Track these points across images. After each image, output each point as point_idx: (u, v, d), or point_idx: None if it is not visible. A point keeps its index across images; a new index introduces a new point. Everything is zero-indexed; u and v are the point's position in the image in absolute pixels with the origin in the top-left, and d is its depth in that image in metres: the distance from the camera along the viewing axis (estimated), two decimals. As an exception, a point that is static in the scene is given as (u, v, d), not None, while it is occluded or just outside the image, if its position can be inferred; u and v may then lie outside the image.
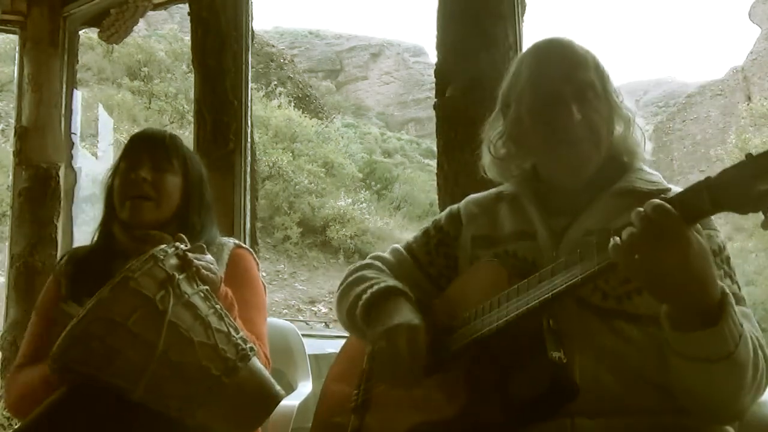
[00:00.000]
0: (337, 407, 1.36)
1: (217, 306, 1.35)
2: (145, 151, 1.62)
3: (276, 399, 1.36)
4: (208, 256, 1.42)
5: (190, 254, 1.35)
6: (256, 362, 1.36)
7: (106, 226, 1.66)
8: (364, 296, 1.31)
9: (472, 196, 1.44)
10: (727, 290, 0.99)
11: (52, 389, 1.38)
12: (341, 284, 1.44)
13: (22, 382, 1.52)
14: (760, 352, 1.05)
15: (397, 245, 1.48)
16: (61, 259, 1.71)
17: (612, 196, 1.23)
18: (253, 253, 1.75)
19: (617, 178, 1.26)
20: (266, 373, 1.38)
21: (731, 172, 0.90)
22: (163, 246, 1.33)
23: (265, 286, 1.72)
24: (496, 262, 1.25)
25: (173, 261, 1.32)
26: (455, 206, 1.44)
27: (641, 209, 0.94)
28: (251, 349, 1.35)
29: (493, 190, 1.41)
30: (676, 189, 1.20)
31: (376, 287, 1.31)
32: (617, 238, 0.96)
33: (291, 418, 1.87)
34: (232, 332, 1.34)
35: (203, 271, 1.36)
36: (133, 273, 1.26)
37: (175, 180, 1.62)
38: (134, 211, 1.58)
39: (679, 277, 0.94)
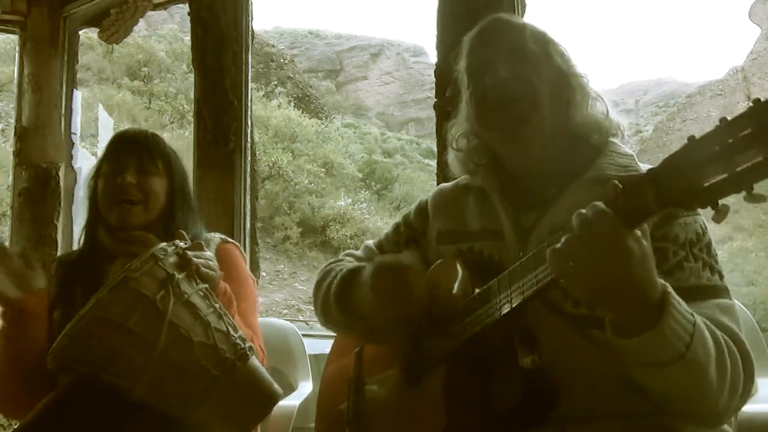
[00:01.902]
0: (340, 390, 1.35)
1: (216, 305, 1.35)
2: (129, 154, 1.62)
3: (275, 398, 1.37)
4: (207, 253, 1.42)
5: (189, 252, 1.35)
6: (255, 361, 1.36)
7: (91, 230, 1.66)
8: (333, 285, 1.31)
9: (441, 186, 1.40)
10: (669, 289, 0.91)
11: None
12: (315, 285, 1.42)
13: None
14: (728, 349, 0.97)
15: (368, 242, 1.46)
16: (52, 264, 1.71)
17: (582, 185, 1.15)
18: (239, 246, 1.75)
19: (588, 163, 1.17)
20: (264, 372, 1.38)
21: (675, 161, 0.81)
22: (162, 244, 1.32)
23: (254, 280, 1.73)
24: (457, 261, 1.20)
25: (173, 259, 1.31)
26: (424, 199, 1.40)
27: (582, 211, 0.87)
28: (250, 348, 1.35)
29: (461, 180, 1.35)
30: None
31: (340, 275, 1.31)
32: (557, 245, 0.88)
33: (291, 418, 1.88)
34: (231, 331, 1.34)
35: (203, 269, 1.35)
36: (134, 273, 1.25)
37: (160, 182, 1.62)
38: (122, 215, 1.58)
39: (616, 287, 0.87)
